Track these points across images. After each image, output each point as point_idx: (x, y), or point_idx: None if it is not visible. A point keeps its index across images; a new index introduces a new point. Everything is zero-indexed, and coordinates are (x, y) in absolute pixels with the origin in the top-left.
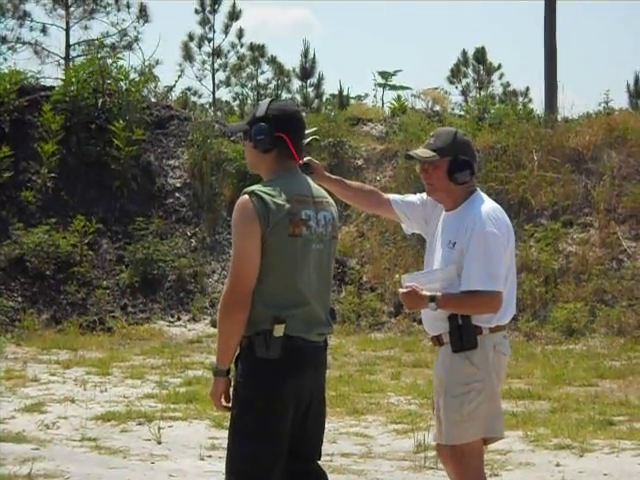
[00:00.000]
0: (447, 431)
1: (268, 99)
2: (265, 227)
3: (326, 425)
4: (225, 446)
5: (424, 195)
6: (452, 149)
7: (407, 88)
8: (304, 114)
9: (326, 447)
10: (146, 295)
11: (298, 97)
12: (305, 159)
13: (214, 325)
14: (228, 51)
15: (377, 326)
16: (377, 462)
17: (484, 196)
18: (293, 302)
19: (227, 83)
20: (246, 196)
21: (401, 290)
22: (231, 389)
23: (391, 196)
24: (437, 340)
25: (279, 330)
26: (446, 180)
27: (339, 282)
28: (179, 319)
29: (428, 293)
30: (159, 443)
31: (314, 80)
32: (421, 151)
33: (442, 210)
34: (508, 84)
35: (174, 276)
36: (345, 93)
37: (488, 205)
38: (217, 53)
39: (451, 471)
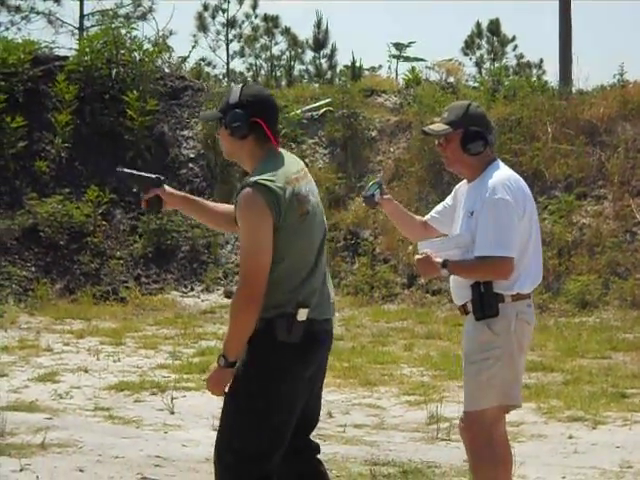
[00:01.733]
0: (467, 396)
1: (239, 85)
2: (277, 215)
3: (339, 396)
4: None
5: (452, 193)
6: (464, 121)
7: (421, 60)
8: (317, 85)
9: (339, 418)
10: (159, 265)
11: (311, 68)
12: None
13: (227, 296)
14: (242, 22)
15: (390, 297)
16: (390, 433)
17: (501, 165)
18: (310, 282)
19: (241, 54)
20: (249, 189)
21: (416, 256)
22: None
23: (427, 217)
24: (463, 309)
25: (303, 314)
26: (460, 152)
27: (352, 253)
28: (192, 289)
29: (440, 259)
30: (172, 413)
31: (327, 51)
32: (435, 126)
33: (466, 185)
34: (522, 56)
35: (187, 247)
36: (358, 64)
37: (502, 173)
38: (231, 24)
39: (463, 439)
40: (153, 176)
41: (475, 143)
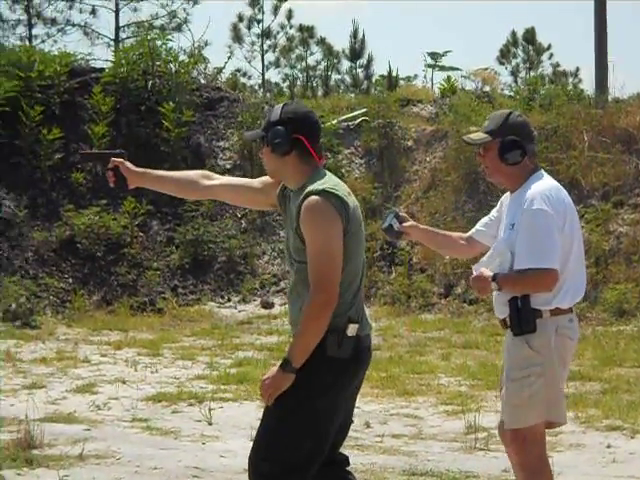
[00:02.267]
0: (508, 415)
1: (281, 104)
2: (345, 223)
3: (377, 406)
4: None
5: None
6: (503, 130)
7: (457, 69)
8: (353, 95)
9: (376, 428)
10: (196, 276)
11: (347, 78)
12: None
13: (264, 306)
14: (277, 32)
15: (427, 307)
16: (427, 443)
17: (544, 175)
18: (359, 297)
19: (276, 64)
20: (317, 197)
21: (471, 277)
22: None
23: (471, 231)
24: (504, 323)
25: (352, 330)
26: (498, 161)
27: (389, 263)
28: (229, 300)
29: (490, 273)
30: (210, 424)
31: (363, 61)
32: (474, 135)
33: (509, 196)
34: (558, 64)
35: (224, 257)
36: (394, 74)
37: (543, 184)
38: (266, 34)
39: (513, 455)
40: (116, 151)
41: (512, 153)
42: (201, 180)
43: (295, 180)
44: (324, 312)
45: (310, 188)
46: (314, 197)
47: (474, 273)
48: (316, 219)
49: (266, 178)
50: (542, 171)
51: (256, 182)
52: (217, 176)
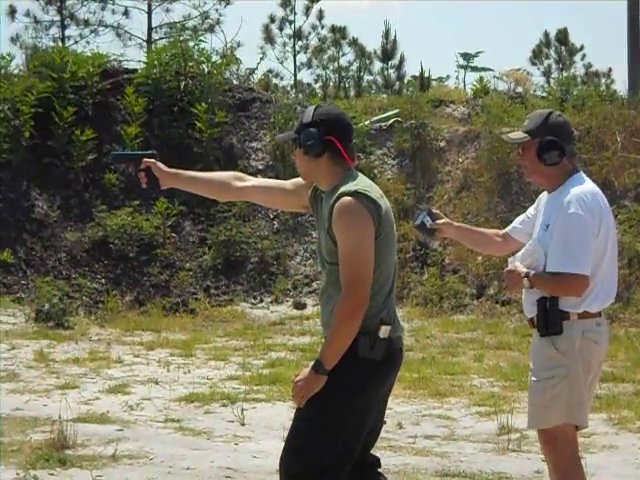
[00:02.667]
0: (530, 414)
1: (313, 106)
2: (377, 224)
3: (409, 407)
4: None
5: (535, 202)
6: (542, 130)
7: (489, 70)
8: (385, 96)
9: (409, 429)
10: (229, 277)
11: (379, 79)
12: None
13: (297, 307)
14: (309, 33)
15: (459, 308)
16: (460, 444)
17: (583, 178)
18: (391, 299)
19: (308, 65)
20: (350, 198)
21: (505, 270)
22: None
23: (508, 228)
24: (531, 323)
25: (385, 332)
26: (536, 162)
27: (421, 264)
28: (262, 301)
29: (524, 270)
30: (242, 424)
31: (395, 62)
32: (514, 134)
33: (547, 195)
34: (590, 65)
35: (256, 258)
36: (426, 75)
37: (582, 187)
38: (298, 35)
39: (546, 455)
40: (148, 152)
41: (550, 153)
42: (233, 181)
43: (327, 182)
44: (356, 314)
45: (343, 189)
46: (347, 198)
47: (509, 266)
48: (348, 220)
49: (298, 180)
50: (581, 173)
51: (288, 184)
52: (249, 177)
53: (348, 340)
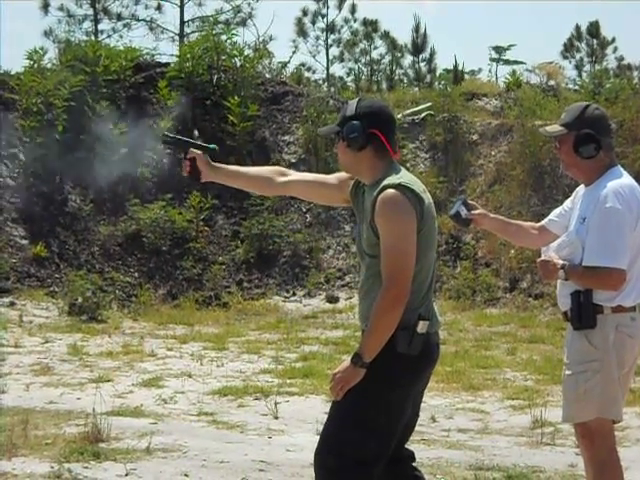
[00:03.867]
0: (564, 408)
1: (356, 99)
2: (420, 218)
3: (443, 401)
4: None
5: (572, 195)
6: (578, 123)
7: (521, 63)
8: (417, 89)
9: (442, 422)
10: (261, 270)
11: (410, 72)
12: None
13: (330, 301)
14: (341, 26)
15: (492, 301)
16: (494, 438)
17: (621, 172)
18: (430, 294)
19: (341, 58)
20: (393, 190)
21: (538, 259)
22: None
23: (544, 221)
24: (565, 316)
25: (423, 327)
26: (573, 155)
27: (454, 257)
28: (294, 294)
29: (561, 262)
30: (276, 418)
31: (426, 55)
32: (550, 127)
33: (584, 189)
34: (622, 58)
35: (289, 251)
36: (460, 68)
37: (619, 181)
38: (330, 29)
39: (583, 449)
40: (203, 144)
41: (587, 146)
42: (276, 176)
43: (370, 175)
44: (396, 307)
45: (386, 182)
46: (390, 190)
47: (542, 256)
48: (391, 213)
49: (341, 174)
50: (619, 167)
51: (331, 178)
52: (291, 172)
53: (388, 333)
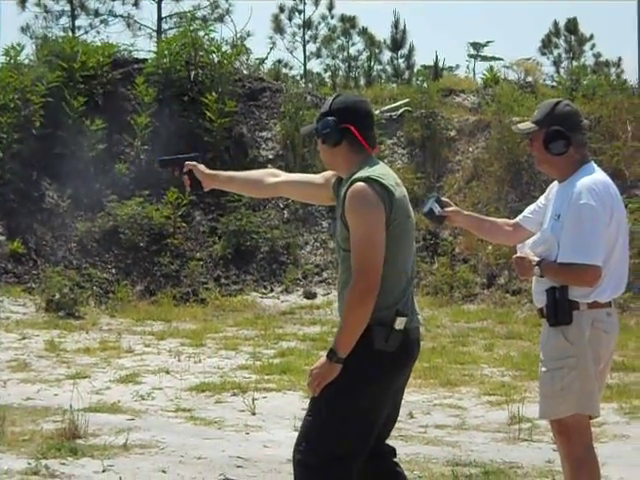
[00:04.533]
0: (540, 405)
1: (334, 95)
2: (389, 212)
3: (420, 397)
4: None
5: (546, 191)
6: (549, 120)
7: (499, 59)
8: (395, 86)
9: (420, 418)
10: (239, 267)
11: (389, 68)
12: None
13: (307, 297)
14: (319, 23)
15: (470, 297)
16: (471, 434)
17: (594, 168)
18: (408, 290)
19: (318, 55)
20: (362, 184)
21: (514, 256)
22: None
23: (518, 217)
24: (541, 313)
25: (400, 323)
26: (544, 152)
27: (432, 253)
28: (272, 290)
29: (536, 258)
30: (253, 414)
31: (405, 51)
32: (522, 124)
33: (557, 185)
34: (600, 55)
35: (267, 248)
36: (440, 64)
37: (592, 177)
38: (308, 25)
39: (560, 445)
40: (191, 154)
41: (556, 143)
42: (266, 178)
43: (346, 169)
44: (366, 300)
45: (356, 176)
46: (359, 184)
47: (518, 253)
48: (359, 206)
49: (327, 172)
50: (592, 163)
51: (319, 177)
52: (282, 173)
53: (359, 327)
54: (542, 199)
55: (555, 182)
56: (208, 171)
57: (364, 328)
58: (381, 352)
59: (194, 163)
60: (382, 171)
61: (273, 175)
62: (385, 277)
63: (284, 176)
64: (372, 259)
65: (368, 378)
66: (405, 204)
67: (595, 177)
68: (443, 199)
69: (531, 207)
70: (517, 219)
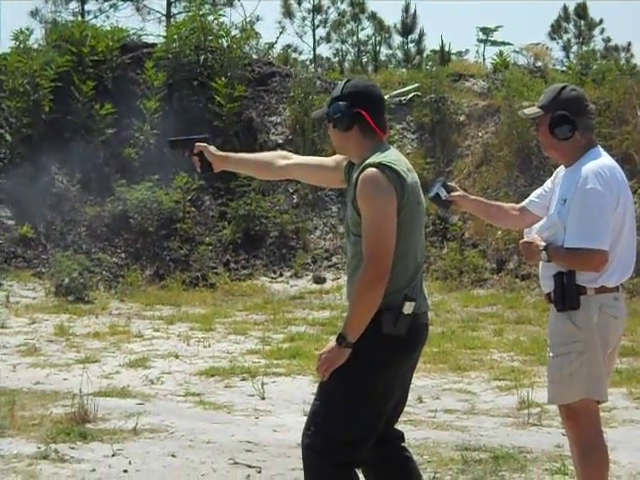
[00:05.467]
0: (549, 390)
1: (345, 79)
2: (400, 197)
3: (430, 381)
4: None
5: (552, 176)
6: (554, 105)
7: (508, 44)
8: (404, 70)
9: (429, 403)
10: (248, 251)
11: (399, 53)
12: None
13: (316, 281)
14: (328, 7)
15: (479, 282)
16: (480, 419)
17: (601, 152)
18: (417, 275)
19: (327, 39)
20: (373, 169)
21: (521, 240)
22: None
23: (525, 202)
24: (548, 298)
25: (409, 308)
26: (550, 137)
27: (441, 239)
28: (281, 275)
29: (543, 243)
30: (263, 398)
31: (415, 36)
32: (528, 109)
33: (564, 170)
34: (609, 39)
35: (276, 232)
36: (447, 49)
37: (598, 162)
38: (317, 9)
39: (568, 430)
40: (200, 136)
41: (562, 128)
42: (277, 160)
43: (358, 154)
44: (376, 285)
45: (368, 161)
46: (370, 169)
47: (525, 237)
48: (371, 191)
49: (338, 156)
50: (599, 148)
51: (330, 160)
52: (293, 155)
53: (369, 312)
54: (549, 183)
55: (561, 167)
56: (219, 152)
57: (373, 314)
58: (389, 336)
59: (204, 144)
60: (394, 157)
61: (284, 157)
62: (395, 262)
63: (295, 158)
64: (383, 245)
65: (376, 363)
66: (416, 190)
67: (601, 162)
68: (449, 184)
69: (538, 191)
70: (524, 203)
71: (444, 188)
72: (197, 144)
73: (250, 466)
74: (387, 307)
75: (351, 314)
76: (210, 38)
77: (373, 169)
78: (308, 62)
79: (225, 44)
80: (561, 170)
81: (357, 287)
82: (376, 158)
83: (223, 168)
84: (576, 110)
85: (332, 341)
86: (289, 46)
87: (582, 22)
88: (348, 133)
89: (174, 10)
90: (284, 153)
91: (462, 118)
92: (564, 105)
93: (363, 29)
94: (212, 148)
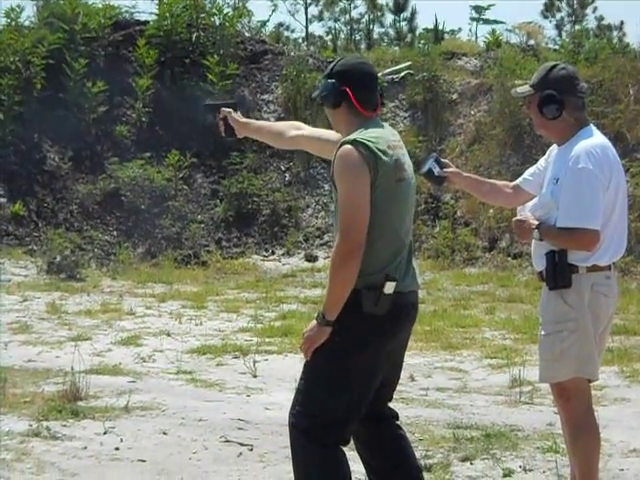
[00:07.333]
0: (540, 368)
1: (338, 58)
2: (374, 174)
3: (421, 360)
4: None
5: (546, 154)
6: (543, 84)
7: (501, 22)
8: (397, 49)
9: (421, 381)
10: (240, 229)
11: (391, 31)
12: None
13: (308, 260)
14: None
15: (471, 261)
16: (472, 397)
17: (593, 131)
18: (399, 255)
19: (320, 18)
20: (349, 146)
21: (514, 219)
22: None
23: (518, 180)
24: (540, 276)
25: (390, 287)
26: (540, 115)
27: (433, 217)
28: (273, 253)
29: (536, 222)
30: (254, 376)
31: (407, 14)
32: (520, 88)
33: (557, 148)
34: (602, 18)
35: (268, 210)
36: (440, 27)
37: (590, 141)
38: None
39: (559, 409)
40: (229, 101)
41: (549, 107)
42: (289, 130)
43: (346, 131)
44: (349, 261)
45: (346, 138)
46: (345, 146)
47: (518, 216)
48: (344, 167)
49: None
50: (591, 127)
51: (337, 135)
52: (305, 127)
53: (344, 288)
54: (542, 161)
55: (554, 145)
56: (242, 119)
57: (350, 290)
58: (371, 315)
59: (230, 110)
60: (374, 134)
61: (297, 128)
62: (374, 241)
63: (307, 130)
64: (355, 220)
65: (358, 342)
66: (397, 167)
67: (593, 141)
68: (442, 160)
69: (531, 169)
70: (517, 181)
71: (437, 164)
72: (222, 109)
73: (242, 444)
74: (367, 287)
75: (327, 291)
76: (202, 16)
77: (348, 146)
78: (300, 40)
79: (217, 22)
80: (554, 148)
81: (331, 263)
82: (353, 135)
83: (245, 134)
84: (564, 89)
85: (314, 320)
86: (281, 24)
87: (575, 1)
88: (337, 110)
89: None
90: (297, 124)
91: (454, 96)
92: (552, 84)
93: (356, 7)
94: (237, 114)
